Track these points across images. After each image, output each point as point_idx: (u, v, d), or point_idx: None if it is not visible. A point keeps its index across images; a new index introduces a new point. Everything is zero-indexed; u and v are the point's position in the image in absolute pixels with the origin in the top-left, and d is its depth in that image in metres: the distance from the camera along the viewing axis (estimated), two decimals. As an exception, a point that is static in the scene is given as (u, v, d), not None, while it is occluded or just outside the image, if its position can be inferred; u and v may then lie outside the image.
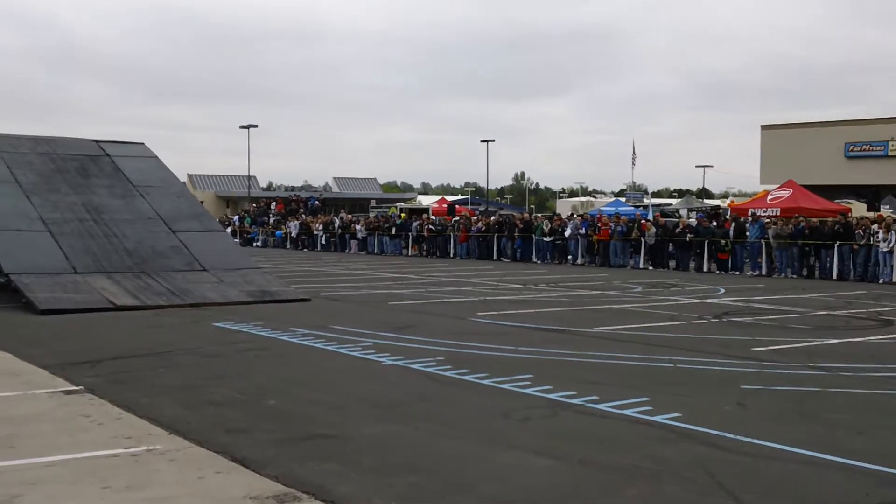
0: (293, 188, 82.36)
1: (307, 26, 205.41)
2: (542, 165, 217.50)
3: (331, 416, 7.34)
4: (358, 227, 41.67)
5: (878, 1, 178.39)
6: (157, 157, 22.18)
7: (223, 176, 78.62)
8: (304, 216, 49.91)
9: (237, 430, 6.84)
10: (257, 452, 6.15)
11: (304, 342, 11.53)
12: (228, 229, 44.39)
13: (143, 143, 22.82)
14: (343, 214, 46.99)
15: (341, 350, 10.85)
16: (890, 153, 46.26)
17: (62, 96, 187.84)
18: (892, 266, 23.69)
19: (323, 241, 43.45)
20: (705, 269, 27.51)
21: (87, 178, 20.00)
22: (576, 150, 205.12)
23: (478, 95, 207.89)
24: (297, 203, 58.35)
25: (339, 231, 42.82)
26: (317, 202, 59.22)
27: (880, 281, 23.43)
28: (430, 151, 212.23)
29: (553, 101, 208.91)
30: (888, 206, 37.78)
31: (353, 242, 41.42)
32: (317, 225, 44.72)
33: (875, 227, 24.42)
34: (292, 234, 45.90)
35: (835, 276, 24.47)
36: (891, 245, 23.57)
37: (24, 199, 18.32)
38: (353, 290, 20.01)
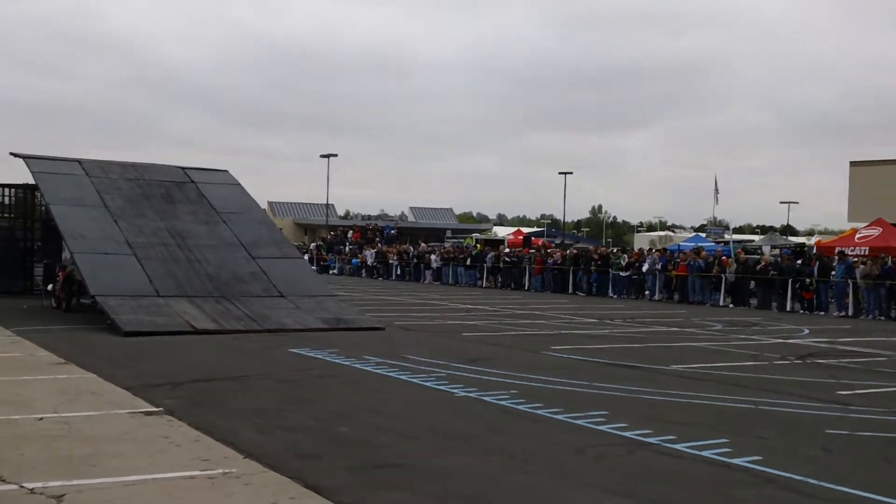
0: (370, 217, 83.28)
1: (394, 59, 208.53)
2: (621, 199, 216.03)
3: (402, 446, 7.32)
4: (433, 256, 41.83)
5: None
6: (239, 184, 22.67)
7: (302, 204, 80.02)
8: (379, 245, 50.35)
9: (310, 455, 6.88)
10: (329, 479, 6.16)
11: (378, 370, 11.56)
12: (306, 256, 45.04)
13: (226, 171, 23.37)
14: (421, 244, 47.24)
15: (414, 380, 10.85)
16: (984, 192, 44.64)
17: (155, 124, 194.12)
18: None
19: (398, 271, 43.72)
20: (788, 309, 26.80)
21: (173, 204, 20.54)
22: (656, 185, 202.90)
23: (558, 127, 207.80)
24: (373, 232, 58.96)
25: (414, 261, 43.04)
26: (392, 231, 59.71)
27: (974, 325, 22.50)
28: (508, 183, 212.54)
29: (636, 135, 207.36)
30: (982, 248, 36.26)
31: (428, 272, 41.56)
32: (392, 254, 45.05)
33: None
34: (368, 263, 46.31)
35: (925, 319, 23.58)
36: None
37: (112, 224, 18.90)
38: (427, 319, 20.05)
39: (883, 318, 24.53)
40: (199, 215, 20.35)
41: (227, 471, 6.26)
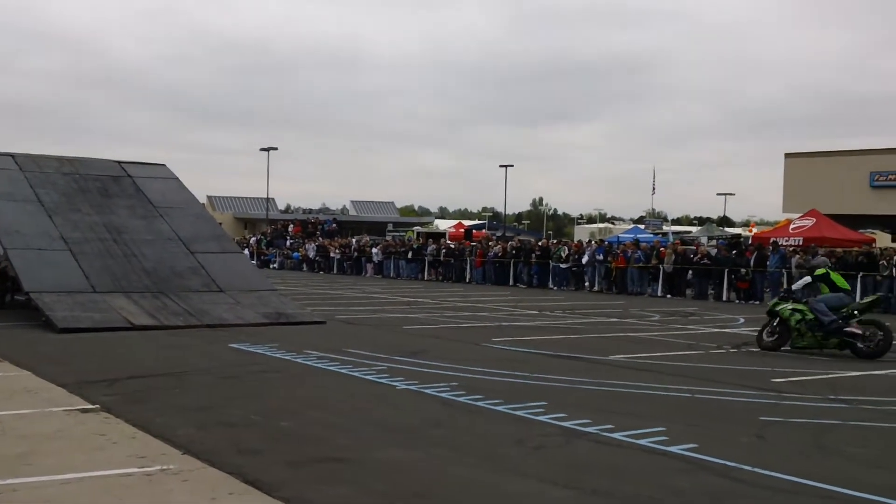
0: (311, 211, 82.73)
1: (340, 54, 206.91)
2: (561, 192, 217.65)
3: (343, 440, 7.31)
4: (374, 250, 41.73)
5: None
6: (177, 178, 22.34)
7: (242, 198, 79.13)
8: (320, 239, 50.06)
9: (250, 451, 6.83)
10: (270, 474, 6.13)
11: (319, 365, 11.52)
12: (246, 251, 44.58)
13: (164, 165, 23.01)
14: (364, 237, 47.06)
15: (355, 374, 10.83)
16: (915, 183, 45.99)
17: (96, 119, 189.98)
18: (913, 298, 23.47)
19: (339, 265, 43.53)
20: (724, 299, 27.34)
21: (109, 199, 20.17)
22: (596, 178, 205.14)
23: (499, 121, 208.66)
24: (313, 226, 58.56)
25: (356, 254, 42.89)
26: (333, 225, 59.37)
27: (902, 313, 23.20)
28: (450, 176, 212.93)
29: (576, 128, 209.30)
30: (913, 237, 37.42)
31: (369, 266, 41.47)
32: (334, 248, 44.82)
33: (897, 258, 24.23)
34: (309, 257, 46.01)
35: (855, 308, 24.23)
36: (912, 277, 23.36)
37: (47, 219, 18.49)
38: (369, 313, 20.01)
39: (815, 307, 25.12)
40: (136, 210, 20.01)
41: (165, 467, 6.19)
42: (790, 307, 14.30)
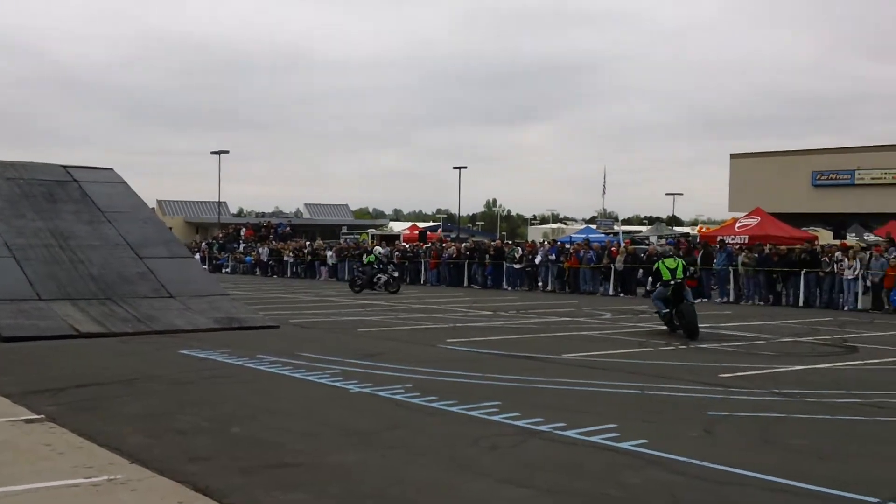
0: (264, 214, 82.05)
1: (292, 55, 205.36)
2: (515, 193, 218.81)
3: (298, 444, 7.28)
4: (328, 253, 41.54)
5: (848, 34, 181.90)
6: (125, 182, 22.02)
7: (193, 202, 78.24)
8: (274, 242, 49.71)
9: (202, 458, 6.77)
10: (222, 481, 6.08)
11: (272, 369, 11.44)
12: (197, 256, 44.09)
13: (111, 169, 22.67)
14: (318, 241, 46.83)
15: (309, 377, 10.78)
16: (856, 182, 47.11)
17: (43, 122, 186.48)
18: (856, 294, 24.00)
19: (293, 268, 43.26)
20: (674, 296, 27.64)
21: (54, 204, 19.82)
22: (549, 179, 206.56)
23: (453, 123, 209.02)
24: (266, 229, 58.11)
25: (309, 258, 42.65)
26: (287, 228, 58.96)
27: (845, 308, 23.70)
28: (404, 178, 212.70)
29: (529, 129, 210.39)
30: (854, 234, 38.29)
31: (324, 269, 41.27)
32: (287, 251, 44.53)
33: (839, 255, 24.72)
34: (262, 261, 45.65)
35: (801, 304, 24.71)
36: (855, 273, 23.88)
37: (-11, 225, 18.10)
38: (323, 316, 19.93)
39: (762, 303, 25.59)
40: (82, 215, 19.68)
41: (112, 477, 6.11)
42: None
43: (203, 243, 55.13)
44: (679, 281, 16.44)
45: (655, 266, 16.98)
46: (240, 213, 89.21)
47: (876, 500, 5.78)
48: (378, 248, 33.83)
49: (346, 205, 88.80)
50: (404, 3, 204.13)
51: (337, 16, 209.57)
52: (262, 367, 11.61)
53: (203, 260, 46.26)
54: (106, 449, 6.96)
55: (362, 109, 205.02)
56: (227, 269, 48.13)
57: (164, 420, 8.21)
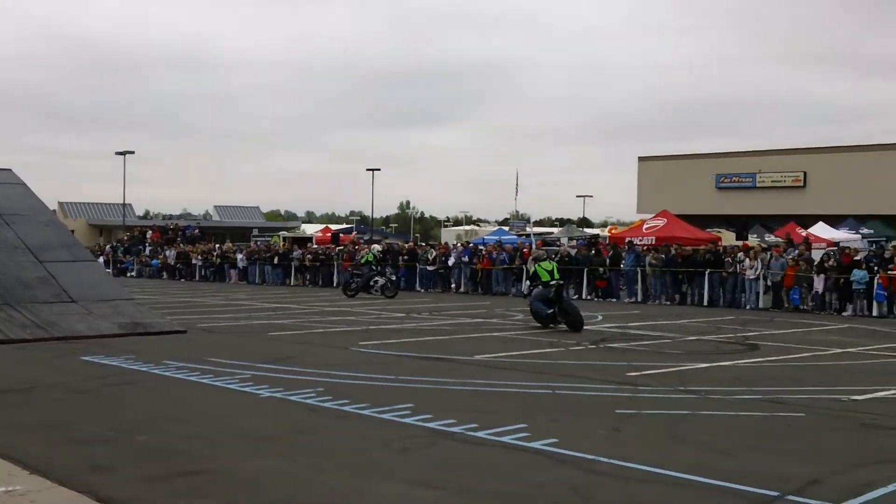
0: (171, 216, 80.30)
1: (196, 55, 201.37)
2: (428, 195, 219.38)
3: (205, 452, 7.13)
4: (239, 256, 40.89)
5: (752, 40, 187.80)
6: (24, 183, 21.22)
7: (97, 204, 76.14)
8: (181, 245, 48.69)
9: (104, 468, 6.57)
10: (125, 491, 5.91)
11: (178, 375, 11.19)
12: (101, 259, 42.85)
13: (9, 170, 21.81)
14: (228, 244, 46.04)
15: (217, 383, 10.58)
16: (758, 185, 48.69)
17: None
18: (757, 293, 24.80)
19: (202, 271, 42.46)
20: (584, 297, 28.13)
21: (-52, 206, 18.97)
22: (463, 180, 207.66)
23: (366, 124, 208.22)
24: (174, 232, 56.86)
25: (218, 260, 41.92)
26: (195, 230, 57.81)
27: (747, 307, 24.47)
28: (317, 180, 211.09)
29: (443, 131, 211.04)
30: (755, 235, 39.53)
31: (233, 272, 40.59)
32: (195, 254, 43.67)
33: (742, 255, 25.51)
34: (169, 264, 44.67)
35: (706, 303, 25.41)
36: (757, 273, 24.67)
37: None
38: (232, 320, 19.60)
39: (669, 302, 26.23)
40: (-22, 218, 18.89)
41: (9, 489, 5.87)
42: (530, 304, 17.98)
43: (107, 246, 53.61)
44: (560, 281, 17.91)
45: (532, 269, 18.20)
46: (146, 216, 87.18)
47: (777, 493, 5.97)
48: (376, 247, 31.61)
49: (258, 207, 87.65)
50: (317, 3, 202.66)
51: (247, 15, 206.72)
52: (168, 374, 11.34)
53: (107, 263, 44.98)
54: (4, 460, 6.68)
55: (274, 110, 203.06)
56: (133, 273, 46.92)
57: (66, 429, 7.94)
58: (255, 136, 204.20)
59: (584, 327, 17.31)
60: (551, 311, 17.41)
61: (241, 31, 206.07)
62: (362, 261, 28.67)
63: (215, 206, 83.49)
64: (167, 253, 45.98)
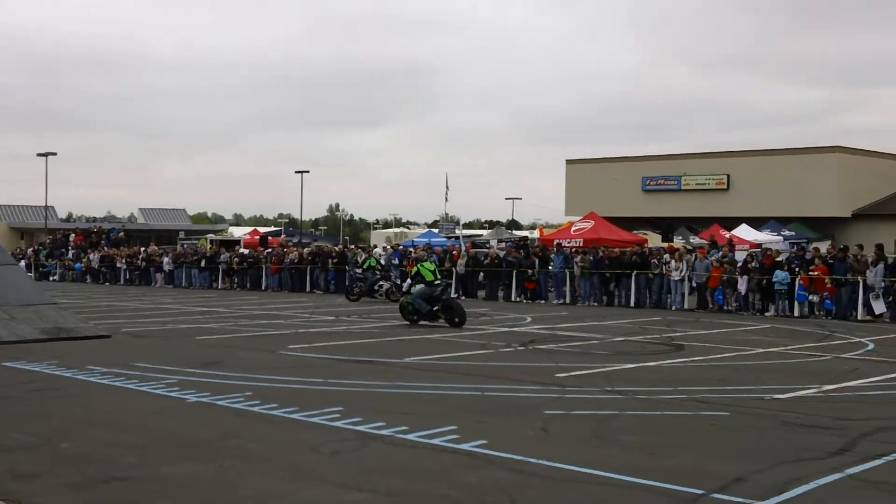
0: (95, 219, 78.47)
1: (122, 54, 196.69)
2: (358, 197, 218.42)
3: (130, 458, 7.01)
4: (165, 259, 40.19)
5: (676, 46, 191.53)
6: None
7: (17, 206, 73.98)
8: (105, 248, 47.66)
9: (28, 475, 6.42)
10: (49, 499, 5.80)
11: (103, 381, 10.97)
12: (22, 263, 41.68)
13: (-77, 170, 21.15)
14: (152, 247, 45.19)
15: (143, 388, 10.40)
16: (683, 187, 49.68)
17: None
18: (682, 294, 25.33)
19: (127, 275, 41.64)
20: (514, 299, 28.37)
21: None
22: (392, 183, 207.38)
23: (294, 127, 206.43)
24: (97, 235, 55.61)
25: (144, 264, 41.15)
26: (120, 234, 56.65)
27: (672, 308, 24.97)
28: (245, 182, 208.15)
29: (372, 134, 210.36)
30: (680, 237, 40.33)
31: (159, 276, 39.90)
32: (120, 257, 42.79)
33: (667, 257, 26.02)
34: (93, 268, 43.68)
35: (633, 304, 25.85)
36: (682, 274, 25.20)
37: None
38: (158, 325, 19.26)
39: (596, 304, 26.61)
40: None
41: (-74, 501, 5.71)
42: (407, 300, 19.30)
43: (29, 249, 52.16)
44: (447, 281, 20.45)
45: (415, 269, 19.66)
46: (69, 218, 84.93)
47: (702, 491, 6.12)
48: (378, 251, 31.05)
49: (184, 209, 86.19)
50: (244, 5, 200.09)
51: (173, 15, 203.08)
52: (92, 379, 11.11)
53: (29, 267, 43.76)
54: (-83, 471, 6.50)
55: (200, 111, 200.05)
56: (55, 277, 45.74)
57: (-16, 438, 7.73)
58: (181, 137, 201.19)
59: (513, 329, 17.45)
60: (433, 307, 18.81)
61: (169, 30, 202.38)
62: (364, 265, 28.59)
63: (140, 209, 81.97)
64: (91, 256, 44.98)
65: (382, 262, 29.44)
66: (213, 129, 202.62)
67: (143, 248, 43.89)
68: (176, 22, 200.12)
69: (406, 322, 19.27)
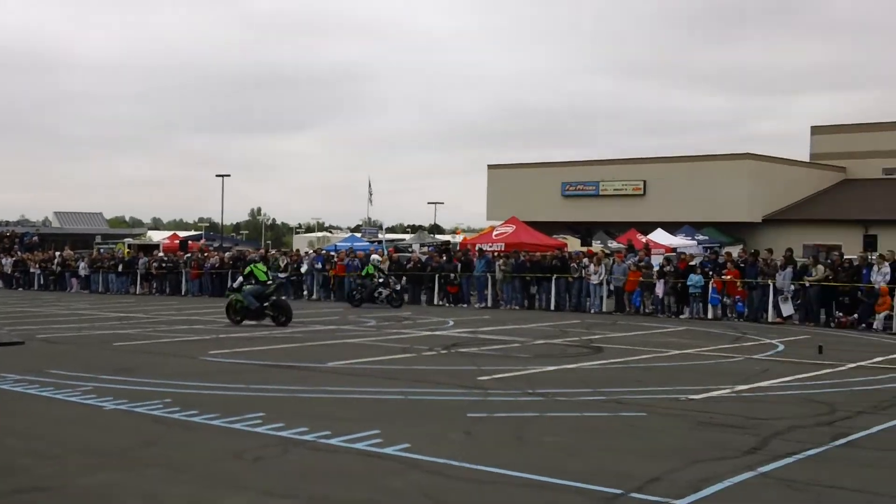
0: (7, 223, 76.04)
1: (35, 54, 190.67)
2: (280, 201, 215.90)
3: (45, 468, 6.86)
4: (80, 264, 39.18)
5: (595, 52, 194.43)
6: None
7: (-78, 209, 71.22)
8: (19, 253, 46.24)
9: (-65, 489, 6.23)
10: (-42, 513, 5.63)
11: (16, 388, 10.67)
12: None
13: None
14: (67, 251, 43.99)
15: (58, 396, 10.16)
16: (601, 193, 50.50)
17: None
18: (601, 297, 25.78)
19: (41, 280, 40.46)
20: (436, 303, 28.48)
21: None
22: (314, 187, 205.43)
23: (215, 130, 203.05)
24: (10, 239, 53.90)
25: (59, 269, 40.05)
26: (34, 237, 55.01)
27: (591, 311, 25.39)
28: (164, 186, 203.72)
29: (294, 138, 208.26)
30: (599, 242, 41.01)
31: (75, 280, 38.88)
32: (34, 262, 41.56)
33: (586, 261, 26.46)
34: (5, 273, 42.33)
35: (553, 307, 26.20)
36: (600, 278, 25.65)
37: None
38: (74, 331, 18.79)
39: (518, 307, 26.90)
40: None
41: None
42: (236, 297, 20.20)
43: (-65, 254, 50.27)
44: (281, 280, 22.50)
45: (248, 269, 20.69)
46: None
47: (620, 491, 6.27)
48: (375, 257, 30.14)
49: (101, 213, 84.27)
50: (163, 6, 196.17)
51: (90, 14, 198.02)
52: (4, 387, 10.79)
53: (-65, 272, 42.19)
54: None
55: (120, 113, 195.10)
56: (-36, 282, 44.17)
57: None
58: (99, 140, 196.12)
59: (435, 333, 17.50)
60: (262, 304, 19.86)
61: (85, 30, 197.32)
62: (363, 272, 28.16)
63: (55, 213, 79.84)
64: (3, 261, 43.59)
65: (383, 269, 29.03)
66: (133, 132, 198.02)
67: (57, 253, 42.72)
68: (93, 22, 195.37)
69: (330, 327, 19.18)
